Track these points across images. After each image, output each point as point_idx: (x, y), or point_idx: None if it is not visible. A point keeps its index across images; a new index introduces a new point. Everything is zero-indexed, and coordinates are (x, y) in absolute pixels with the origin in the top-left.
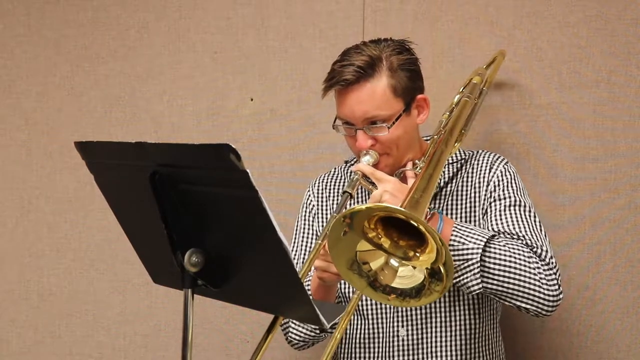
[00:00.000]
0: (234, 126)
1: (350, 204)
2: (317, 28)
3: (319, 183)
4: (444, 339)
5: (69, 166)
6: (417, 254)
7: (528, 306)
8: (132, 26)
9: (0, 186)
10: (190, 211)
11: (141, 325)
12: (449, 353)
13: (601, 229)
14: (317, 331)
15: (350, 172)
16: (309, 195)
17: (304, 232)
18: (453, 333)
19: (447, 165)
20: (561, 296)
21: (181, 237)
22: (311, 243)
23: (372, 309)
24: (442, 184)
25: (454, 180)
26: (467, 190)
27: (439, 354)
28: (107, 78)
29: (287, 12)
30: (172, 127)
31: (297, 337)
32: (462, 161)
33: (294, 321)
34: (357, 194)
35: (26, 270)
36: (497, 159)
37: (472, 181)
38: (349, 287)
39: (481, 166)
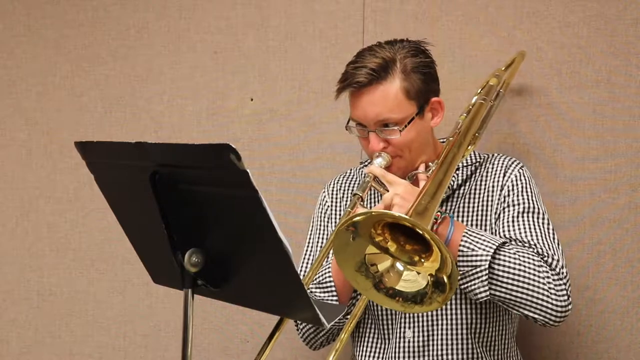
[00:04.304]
0: (234, 126)
1: (367, 206)
2: (317, 28)
3: (334, 184)
4: (450, 342)
5: (69, 166)
6: (422, 260)
7: (536, 315)
8: (132, 26)
9: (0, 186)
10: (190, 211)
11: (141, 325)
12: (455, 356)
13: (601, 229)
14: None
15: (364, 174)
16: (324, 196)
17: (318, 232)
18: (459, 336)
19: (461, 168)
20: (570, 307)
21: (181, 237)
22: (324, 242)
23: (382, 309)
24: (455, 186)
25: (468, 183)
26: (480, 193)
27: (445, 356)
28: (107, 78)
29: (287, 12)
30: (172, 127)
31: (309, 332)
32: (477, 164)
33: None
34: (369, 195)
35: (26, 270)
36: (512, 163)
37: (485, 184)
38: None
39: (496, 169)
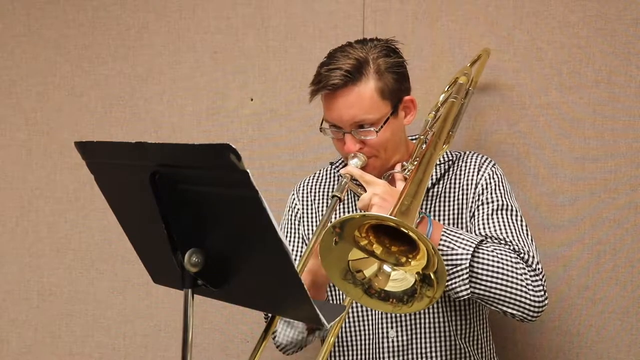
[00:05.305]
0: (234, 126)
1: (339, 208)
2: (317, 28)
3: (303, 186)
4: (433, 341)
5: (69, 166)
6: (409, 260)
7: (514, 311)
8: (132, 26)
9: (0, 186)
10: (190, 211)
11: (141, 325)
12: (439, 354)
13: (601, 229)
14: (305, 334)
15: (339, 176)
16: (294, 199)
17: (290, 236)
18: (443, 334)
19: (435, 167)
20: (546, 302)
21: (181, 237)
22: (297, 246)
23: (360, 310)
24: (429, 185)
25: (442, 182)
26: (455, 192)
27: (429, 355)
28: (107, 78)
29: (287, 12)
30: (172, 127)
31: (285, 340)
32: (450, 162)
33: (281, 324)
34: (346, 197)
35: (26, 270)
36: (484, 161)
37: (460, 182)
38: (341, 293)
39: (469, 168)
